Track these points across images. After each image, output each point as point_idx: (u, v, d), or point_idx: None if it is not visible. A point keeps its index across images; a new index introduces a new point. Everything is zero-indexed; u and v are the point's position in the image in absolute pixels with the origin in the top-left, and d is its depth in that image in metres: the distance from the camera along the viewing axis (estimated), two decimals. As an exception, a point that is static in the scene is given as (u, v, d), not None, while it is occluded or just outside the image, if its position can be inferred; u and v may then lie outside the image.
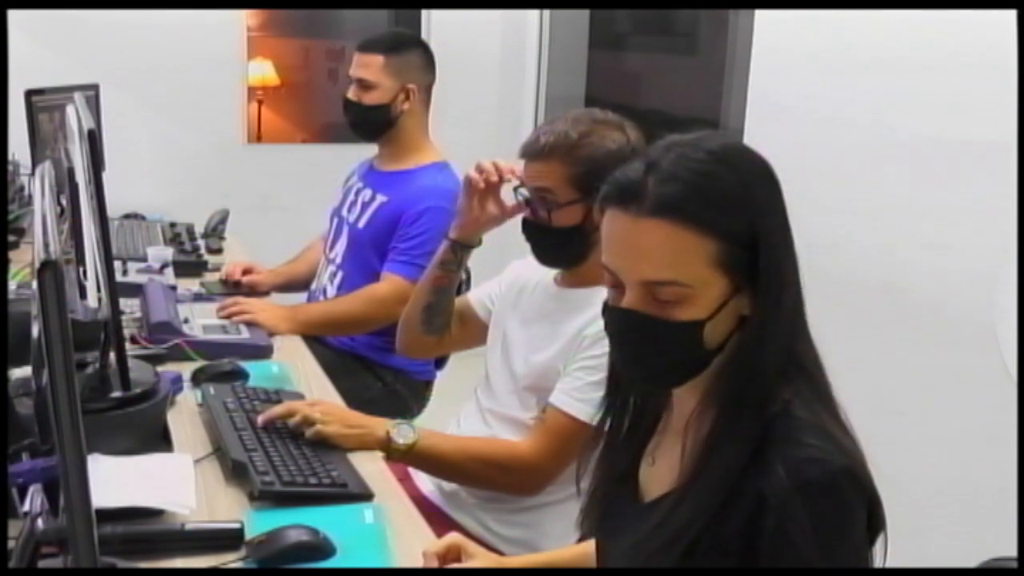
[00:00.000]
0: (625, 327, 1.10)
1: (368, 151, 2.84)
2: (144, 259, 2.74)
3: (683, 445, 1.11)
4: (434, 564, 1.36)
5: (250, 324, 2.31)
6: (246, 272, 2.71)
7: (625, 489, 1.21)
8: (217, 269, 2.81)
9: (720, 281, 1.06)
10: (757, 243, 1.06)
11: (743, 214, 1.06)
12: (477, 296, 2.08)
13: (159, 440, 1.70)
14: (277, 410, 1.74)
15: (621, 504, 1.22)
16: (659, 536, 1.09)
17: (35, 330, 1.01)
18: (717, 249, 1.05)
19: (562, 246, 1.82)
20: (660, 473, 1.17)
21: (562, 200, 1.77)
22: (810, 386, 1.09)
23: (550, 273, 1.93)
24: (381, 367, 2.68)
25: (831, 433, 1.05)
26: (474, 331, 2.07)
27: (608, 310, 1.12)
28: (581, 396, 1.73)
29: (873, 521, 1.06)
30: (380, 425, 1.76)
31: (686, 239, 1.05)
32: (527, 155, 1.80)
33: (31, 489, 1.23)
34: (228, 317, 2.34)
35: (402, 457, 1.75)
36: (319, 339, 2.53)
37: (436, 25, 4.46)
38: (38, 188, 1.34)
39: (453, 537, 1.41)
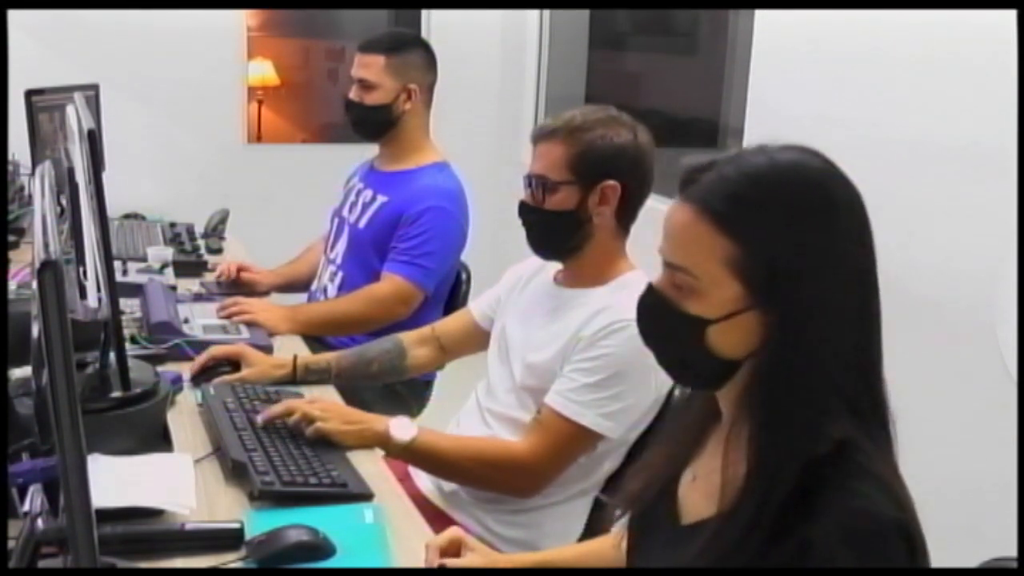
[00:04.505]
0: (644, 303, 1.13)
1: (368, 151, 2.84)
2: (144, 259, 2.74)
3: (723, 468, 1.07)
4: (435, 556, 1.36)
5: (250, 324, 2.32)
6: (241, 270, 2.71)
7: (663, 506, 1.18)
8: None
9: (732, 286, 1.03)
10: (778, 264, 1.02)
11: (773, 229, 1.03)
12: (479, 307, 2.10)
13: (159, 440, 1.70)
14: (276, 409, 1.74)
15: (659, 521, 1.18)
16: (697, 565, 1.06)
17: (35, 330, 1.01)
18: (733, 251, 1.03)
19: (554, 231, 1.82)
20: (700, 493, 1.14)
21: (555, 179, 1.78)
22: (863, 428, 1.03)
23: (549, 272, 1.93)
24: (381, 367, 2.68)
25: (886, 481, 1.01)
26: (477, 341, 2.09)
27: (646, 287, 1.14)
28: (576, 398, 1.73)
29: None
30: (380, 420, 1.76)
31: (704, 230, 1.04)
32: (535, 138, 1.83)
33: (31, 489, 1.23)
34: (228, 317, 2.34)
35: (401, 453, 1.75)
36: (319, 339, 2.53)
37: (436, 25, 4.46)
38: (38, 188, 1.34)
39: (454, 531, 1.42)
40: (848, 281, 1.05)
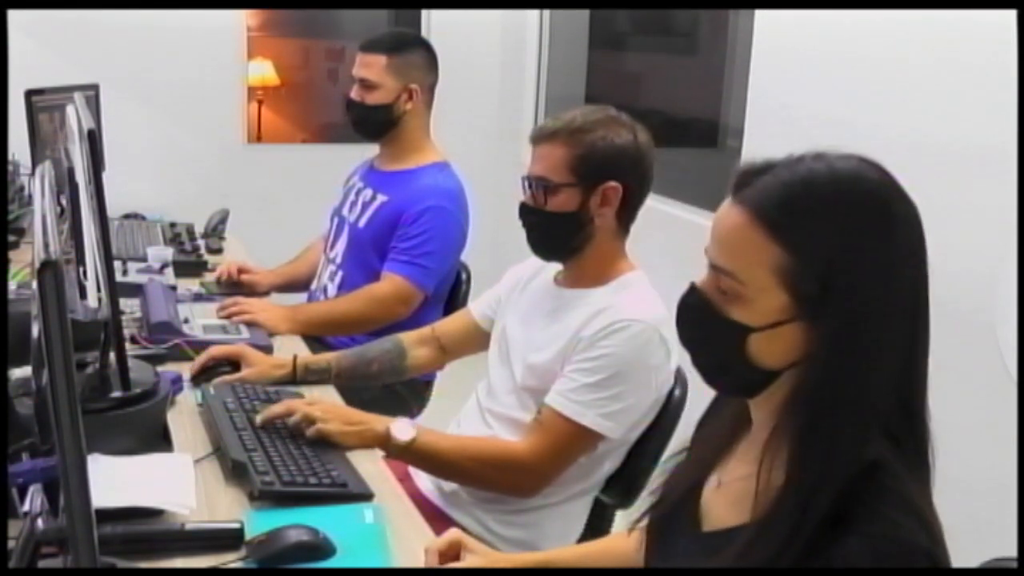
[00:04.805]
0: (686, 303, 1.09)
1: (368, 151, 2.84)
2: (144, 259, 2.74)
3: (757, 479, 1.05)
4: (435, 560, 1.36)
5: (250, 324, 2.32)
6: (241, 271, 2.72)
7: (685, 510, 1.17)
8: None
9: (779, 295, 1.00)
10: (831, 278, 0.99)
11: (827, 241, 0.99)
12: (479, 308, 2.10)
13: (159, 440, 1.70)
14: (276, 409, 1.74)
15: (679, 526, 1.17)
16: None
17: (35, 330, 1.01)
18: (784, 260, 1.00)
19: (555, 233, 1.82)
20: (725, 500, 1.13)
21: (557, 181, 1.78)
22: (897, 452, 1.01)
23: (550, 273, 1.93)
24: (381, 367, 2.68)
25: (917, 508, 0.99)
26: (477, 341, 2.09)
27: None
28: (576, 398, 1.73)
29: None
30: (380, 421, 1.76)
31: (755, 236, 1.01)
32: (534, 139, 1.83)
33: (31, 489, 1.23)
34: (228, 317, 2.34)
35: (401, 454, 1.75)
36: (319, 339, 2.53)
37: (436, 25, 4.46)
38: (38, 188, 1.34)
39: (453, 533, 1.41)
40: (900, 299, 1.02)
